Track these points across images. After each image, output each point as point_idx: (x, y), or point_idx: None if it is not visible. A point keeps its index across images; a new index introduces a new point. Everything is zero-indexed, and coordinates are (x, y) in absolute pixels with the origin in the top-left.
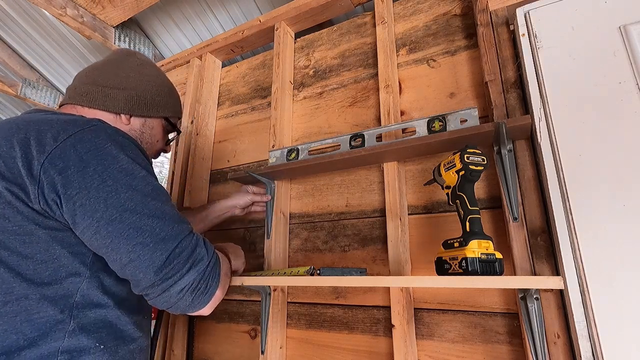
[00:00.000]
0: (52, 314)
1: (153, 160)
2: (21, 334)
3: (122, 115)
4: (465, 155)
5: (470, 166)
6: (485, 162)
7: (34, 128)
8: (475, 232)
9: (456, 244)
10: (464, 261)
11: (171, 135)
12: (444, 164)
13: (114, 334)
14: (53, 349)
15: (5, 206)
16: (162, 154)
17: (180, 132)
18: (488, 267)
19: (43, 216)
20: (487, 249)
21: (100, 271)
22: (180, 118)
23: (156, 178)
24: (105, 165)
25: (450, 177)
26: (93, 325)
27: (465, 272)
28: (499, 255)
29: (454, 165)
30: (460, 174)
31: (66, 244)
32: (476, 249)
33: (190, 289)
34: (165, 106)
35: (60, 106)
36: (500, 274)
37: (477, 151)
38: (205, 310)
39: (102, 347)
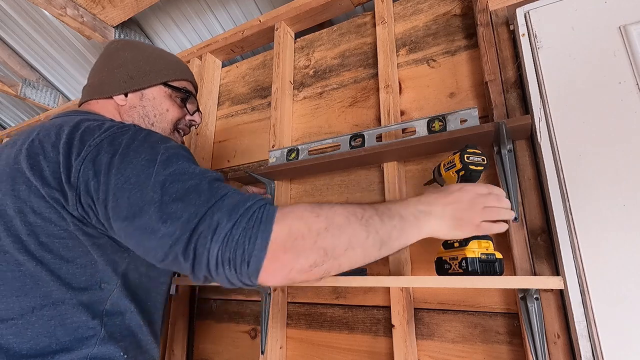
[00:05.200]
0: (85, 320)
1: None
2: (54, 338)
3: (118, 96)
4: (465, 156)
5: (470, 166)
6: (486, 162)
7: (73, 133)
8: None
9: (456, 244)
10: (464, 261)
11: (186, 102)
12: (444, 164)
13: (136, 343)
14: (83, 355)
15: (51, 210)
16: (192, 124)
17: (191, 94)
18: (488, 267)
19: (82, 222)
20: (487, 249)
21: (129, 280)
22: (186, 79)
23: (180, 150)
24: (127, 164)
25: (450, 177)
26: (119, 334)
27: (465, 272)
28: (499, 255)
29: (454, 165)
30: (460, 174)
31: (102, 251)
32: (476, 249)
33: (225, 261)
34: (158, 71)
35: (80, 105)
36: (501, 274)
37: (477, 151)
38: (270, 280)
39: (125, 356)
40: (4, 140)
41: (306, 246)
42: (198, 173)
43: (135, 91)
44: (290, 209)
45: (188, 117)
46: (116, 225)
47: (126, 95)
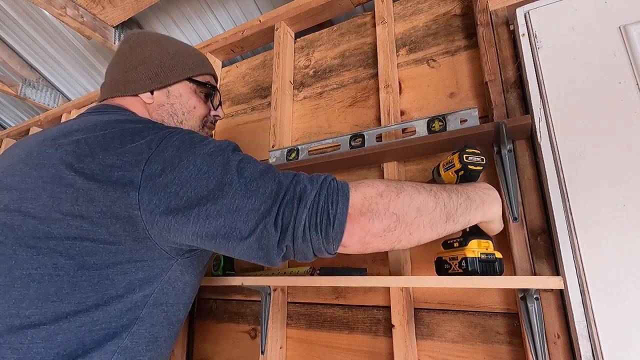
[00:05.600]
0: (114, 326)
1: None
2: (81, 344)
3: (142, 95)
4: (464, 156)
5: (469, 166)
6: (485, 162)
7: (128, 136)
8: (475, 232)
9: (456, 244)
10: (463, 261)
11: (211, 98)
12: (443, 164)
13: (156, 355)
14: None
15: (100, 215)
16: (216, 120)
17: (216, 88)
18: (488, 267)
19: (134, 226)
20: (487, 249)
21: (168, 287)
22: (209, 73)
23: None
24: (195, 156)
25: (449, 177)
26: (144, 345)
27: (465, 272)
28: (498, 255)
29: (453, 165)
30: (460, 174)
31: (149, 257)
32: (476, 248)
33: (312, 226)
34: (181, 66)
35: (100, 102)
36: (500, 273)
37: (476, 151)
38: (353, 242)
39: None
40: (4, 141)
41: (380, 210)
42: (260, 161)
43: (161, 88)
44: (361, 180)
45: (213, 113)
46: (195, 211)
47: (152, 93)
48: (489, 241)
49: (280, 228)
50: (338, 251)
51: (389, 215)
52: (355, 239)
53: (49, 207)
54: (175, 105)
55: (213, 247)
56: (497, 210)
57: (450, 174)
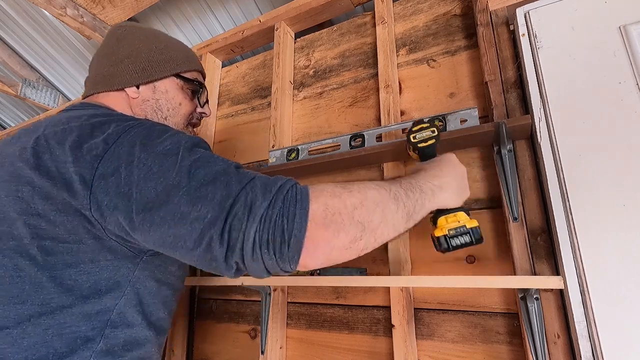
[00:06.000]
0: (84, 330)
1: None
2: (51, 348)
3: (130, 89)
4: (412, 136)
5: (420, 144)
6: (436, 132)
7: (82, 130)
8: (442, 210)
9: (431, 226)
10: (436, 241)
11: (197, 95)
12: (407, 146)
13: (139, 356)
14: None
15: (57, 213)
16: (202, 117)
17: (204, 85)
18: (460, 240)
19: (92, 224)
20: (458, 222)
21: (140, 288)
22: (197, 70)
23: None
24: (148, 154)
25: (415, 157)
26: (122, 347)
27: (440, 251)
28: (471, 224)
29: (409, 147)
30: (419, 153)
31: (112, 256)
32: (444, 225)
33: (263, 243)
34: (170, 61)
35: (84, 98)
36: (477, 241)
37: (424, 125)
38: (310, 263)
39: None
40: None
41: (345, 221)
42: (222, 160)
43: (148, 83)
44: (322, 186)
45: (199, 110)
46: (140, 217)
47: (138, 88)
48: (460, 212)
49: (227, 243)
50: (299, 269)
51: (355, 224)
52: (318, 256)
53: (7, 207)
54: (160, 100)
55: (168, 254)
56: (447, 197)
57: (413, 154)
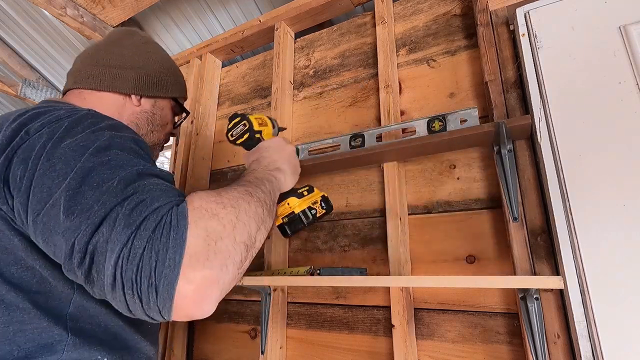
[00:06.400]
0: (46, 325)
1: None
2: (15, 345)
3: (133, 97)
4: (229, 134)
5: (238, 141)
6: (247, 125)
7: (15, 121)
8: (280, 197)
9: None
10: (278, 230)
11: (179, 119)
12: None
13: (119, 344)
14: None
15: None
16: (172, 135)
17: (189, 112)
18: (295, 226)
19: (14, 221)
20: (289, 208)
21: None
22: (186, 99)
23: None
24: (58, 148)
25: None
26: (94, 337)
27: (285, 237)
28: (300, 207)
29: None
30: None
31: (42, 252)
32: (279, 214)
33: (125, 285)
34: (174, 85)
35: (64, 93)
36: (310, 223)
37: (236, 120)
38: (189, 314)
39: (105, 359)
40: None
41: (229, 247)
42: (135, 164)
43: (151, 97)
44: (199, 202)
45: (172, 130)
46: (29, 219)
47: (141, 97)
48: (288, 199)
49: (84, 271)
50: (176, 319)
51: (239, 247)
52: (206, 302)
53: None
54: (155, 115)
55: None
56: (289, 180)
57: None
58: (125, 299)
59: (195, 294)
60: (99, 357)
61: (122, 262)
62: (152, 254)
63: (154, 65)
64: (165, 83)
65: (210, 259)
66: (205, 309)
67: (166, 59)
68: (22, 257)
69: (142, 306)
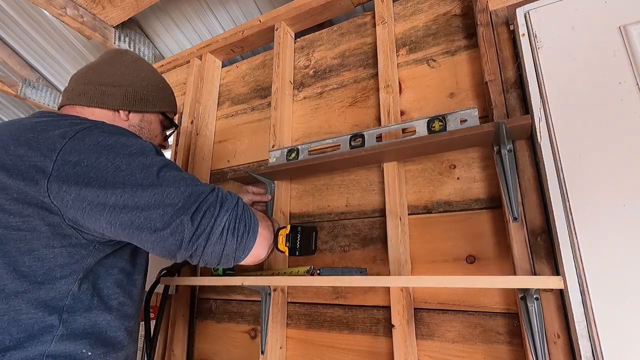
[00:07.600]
0: (41, 316)
1: None
2: (7, 334)
3: (121, 112)
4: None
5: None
6: (291, 232)
7: (41, 128)
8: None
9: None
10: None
11: (169, 132)
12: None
13: (104, 340)
14: (38, 352)
15: (11, 202)
16: (162, 147)
17: (178, 126)
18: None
19: (49, 211)
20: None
21: (96, 274)
22: (176, 113)
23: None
24: (113, 156)
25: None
26: (82, 331)
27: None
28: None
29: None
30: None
31: (66, 243)
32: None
33: (230, 230)
34: (162, 100)
35: (59, 108)
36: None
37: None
38: (255, 254)
39: (89, 354)
40: None
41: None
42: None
43: (139, 112)
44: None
45: (162, 142)
46: (111, 201)
47: (129, 113)
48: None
49: (197, 225)
50: (247, 258)
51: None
52: (261, 250)
53: None
54: (144, 129)
55: (126, 237)
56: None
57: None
58: (226, 241)
59: (260, 242)
60: (84, 350)
61: (232, 217)
62: (247, 218)
63: (141, 83)
64: (153, 99)
65: (265, 235)
66: (261, 253)
67: (154, 77)
68: (37, 247)
69: (236, 245)
